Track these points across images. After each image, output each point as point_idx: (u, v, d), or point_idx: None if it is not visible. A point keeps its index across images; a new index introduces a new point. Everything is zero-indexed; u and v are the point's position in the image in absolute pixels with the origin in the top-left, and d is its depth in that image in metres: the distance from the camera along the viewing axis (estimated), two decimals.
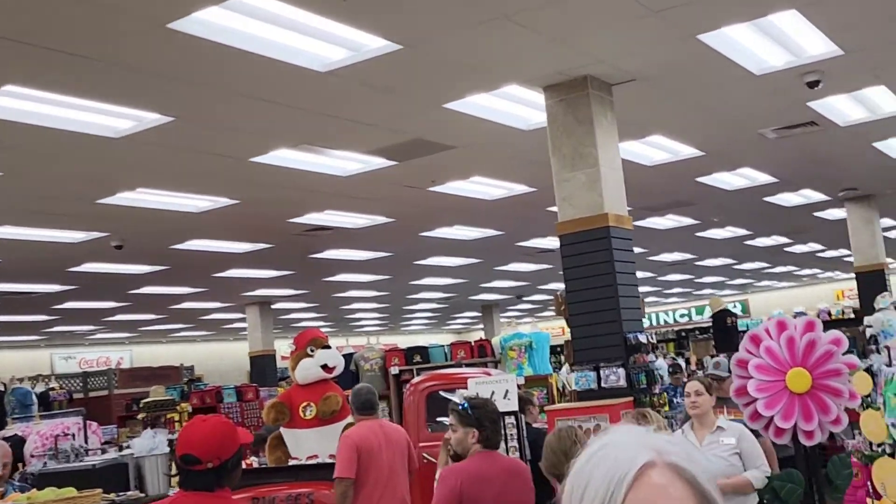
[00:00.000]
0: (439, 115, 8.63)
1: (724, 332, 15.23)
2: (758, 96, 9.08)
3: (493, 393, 8.22)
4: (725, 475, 5.36)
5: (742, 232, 19.28)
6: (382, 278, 20.68)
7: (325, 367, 10.40)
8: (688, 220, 16.82)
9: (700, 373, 15.74)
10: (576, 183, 7.94)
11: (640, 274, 8.29)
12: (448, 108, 8.43)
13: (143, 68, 6.84)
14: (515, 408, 8.10)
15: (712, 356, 19.90)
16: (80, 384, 24.50)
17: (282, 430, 9.96)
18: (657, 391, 8.00)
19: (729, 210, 15.92)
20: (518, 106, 8.86)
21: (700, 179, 13.01)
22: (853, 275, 33.70)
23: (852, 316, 24.59)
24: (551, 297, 31.69)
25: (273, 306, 23.59)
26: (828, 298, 32.87)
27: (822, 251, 24.82)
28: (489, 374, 10.70)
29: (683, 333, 30.10)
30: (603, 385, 7.63)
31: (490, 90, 8.23)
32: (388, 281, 21.34)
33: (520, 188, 12.45)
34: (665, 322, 37.23)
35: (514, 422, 8.04)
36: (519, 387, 11.91)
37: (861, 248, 16.04)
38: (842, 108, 9.96)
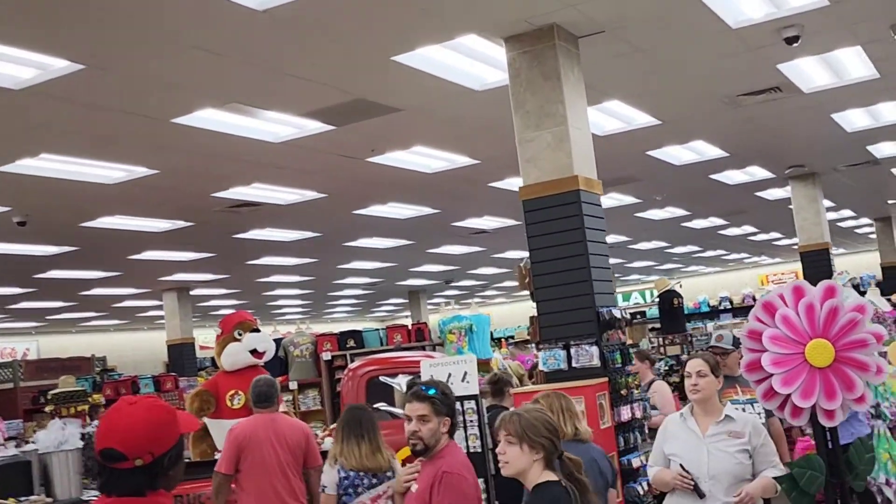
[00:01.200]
0: (386, 69, 7.77)
1: (670, 313, 14.75)
2: (729, 55, 8.46)
3: (450, 375, 7.43)
4: (735, 476, 4.62)
5: (680, 213, 18.86)
6: (308, 261, 19.70)
7: (254, 351, 9.74)
8: (630, 199, 16.28)
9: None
10: (541, 143, 7.17)
11: None
12: (397, 60, 7.57)
13: (47, 2, 5.83)
14: (476, 391, 7.33)
15: (650, 340, 19.53)
16: None
17: (207, 420, 9.06)
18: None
19: (673, 187, 15.40)
20: (473, 62, 8.07)
21: (650, 153, 12.42)
22: (779, 259, 34.36)
23: None
24: (480, 283, 31.18)
25: (192, 292, 22.39)
26: (752, 283, 33.00)
27: (755, 234, 24.67)
28: (432, 358, 9.95)
29: None
30: (574, 365, 6.88)
31: (445, 40, 7.41)
32: (315, 265, 20.37)
33: (462, 160, 11.65)
34: None
35: (475, 407, 7.27)
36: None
37: (805, 227, 15.69)
38: (809, 73, 9.42)
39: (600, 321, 6.90)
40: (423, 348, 12.96)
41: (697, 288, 32.47)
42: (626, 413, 6.93)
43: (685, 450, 4.73)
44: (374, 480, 5.40)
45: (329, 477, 5.40)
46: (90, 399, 16.18)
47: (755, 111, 10.63)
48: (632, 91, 9.42)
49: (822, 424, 4.74)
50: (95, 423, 14.10)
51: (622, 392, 6.90)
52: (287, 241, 16.51)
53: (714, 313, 24.63)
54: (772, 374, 4.76)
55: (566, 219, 7.01)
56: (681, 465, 4.65)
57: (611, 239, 21.66)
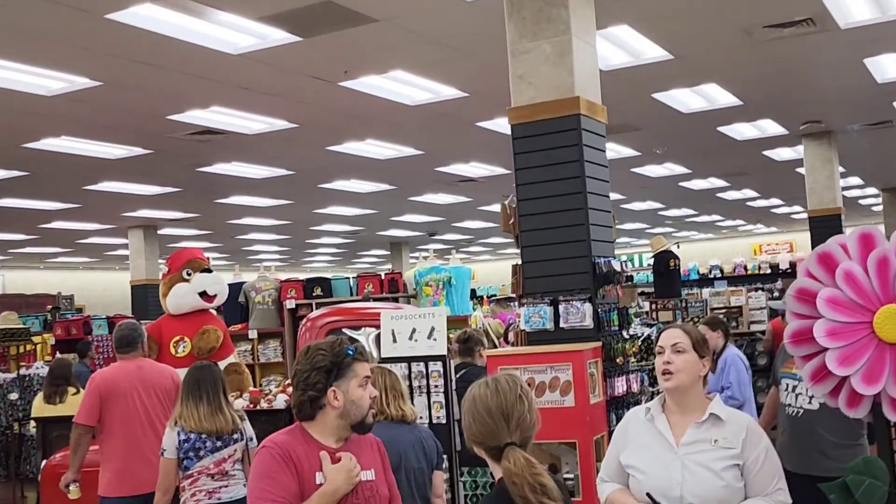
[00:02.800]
0: None
1: (666, 275, 13.58)
2: None
3: (414, 331, 6.29)
4: (717, 501, 3.23)
5: (680, 170, 17.68)
6: (282, 203, 18.44)
7: (203, 294, 8.81)
8: (628, 151, 15.07)
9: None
10: (538, 55, 5.95)
11: None
12: None
13: None
14: (444, 351, 6.18)
15: (639, 304, 18.41)
16: None
17: None
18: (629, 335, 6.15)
19: (677, 139, 14.21)
20: None
21: (657, 96, 11.19)
22: (774, 229, 33.36)
23: (768, 271, 23.73)
24: (465, 238, 29.98)
25: (159, 231, 21.17)
26: (745, 253, 31.98)
27: (754, 199, 23.56)
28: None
29: None
30: (562, 325, 5.73)
31: None
32: (289, 207, 19.13)
33: (448, 92, 10.41)
34: None
35: (441, 370, 6.13)
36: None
37: (817, 189, 14.55)
38: (849, 2, 8.20)
39: (596, 273, 5.74)
40: (397, 300, 11.86)
41: (689, 254, 31.44)
42: (620, 385, 5.79)
43: (650, 462, 3.34)
44: (219, 443, 5.10)
45: (168, 439, 5.08)
46: (41, 338, 15.08)
47: (779, 50, 9.41)
48: (646, 12, 8.16)
49: (888, 418, 3.62)
50: (38, 364, 12.98)
51: (618, 360, 5.76)
52: (257, 179, 15.26)
53: (705, 281, 23.71)
54: (826, 349, 3.63)
55: (562, 149, 5.82)
56: (648, 496, 3.26)
57: None
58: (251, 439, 5.26)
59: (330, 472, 3.01)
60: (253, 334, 11.63)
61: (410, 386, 6.12)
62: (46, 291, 25.41)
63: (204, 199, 17.12)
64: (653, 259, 13.89)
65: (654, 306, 14.47)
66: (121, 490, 5.81)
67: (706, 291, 17.39)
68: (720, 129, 13.60)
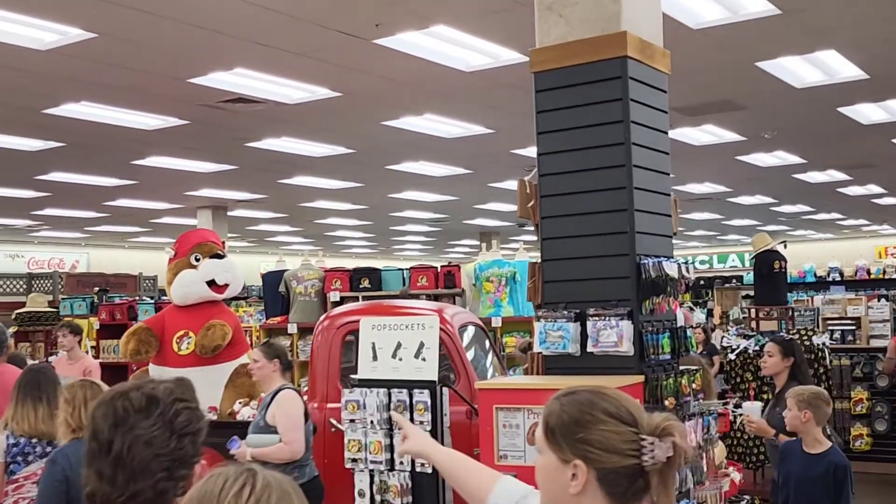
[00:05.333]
0: None
1: (769, 278, 11.63)
2: None
3: (399, 346, 4.76)
4: None
5: (794, 160, 15.58)
6: (353, 186, 17.12)
7: (212, 283, 7.64)
8: (731, 136, 13.14)
9: (723, 331, 12.13)
10: None
11: None
12: None
13: None
14: (433, 377, 4.63)
15: (742, 309, 16.41)
16: (24, 286, 21.97)
17: (151, 367, 7.63)
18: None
19: (788, 121, 12.23)
20: None
21: (761, 65, 9.31)
22: None
23: (894, 276, 21.33)
24: None
25: (230, 213, 20.19)
26: (868, 255, 29.48)
27: (881, 196, 21.17)
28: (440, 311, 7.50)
29: (702, 282, 26.59)
30: (590, 349, 4.10)
31: None
32: (362, 191, 17.81)
33: (508, 55, 8.80)
34: None
35: (428, 402, 4.58)
36: (488, 329, 8.44)
37: None
38: None
39: (642, 279, 4.08)
40: (454, 299, 10.36)
41: (804, 255, 29.09)
42: None
43: None
44: (49, 448, 4.87)
45: None
46: (85, 322, 14.18)
47: None
48: None
49: None
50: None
51: (668, 402, 4.07)
52: (315, 157, 13.93)
53: (821, 285, 21.55)
54: None
55: (601, 105, 4.18)
56: None
57: (705, 188, 18.56)
58: None
59: None
60: (293, 328, 10.39)
61: (389, 419, 4.62)
62: (128, 272, 24.98)
63: (265, 178, 15.95)
64: (754, 260, 12.00)
65: (756, 313, 12.56)
66: None
67: (818, 299, 15.23)
68: (840, 109, 11.57)
